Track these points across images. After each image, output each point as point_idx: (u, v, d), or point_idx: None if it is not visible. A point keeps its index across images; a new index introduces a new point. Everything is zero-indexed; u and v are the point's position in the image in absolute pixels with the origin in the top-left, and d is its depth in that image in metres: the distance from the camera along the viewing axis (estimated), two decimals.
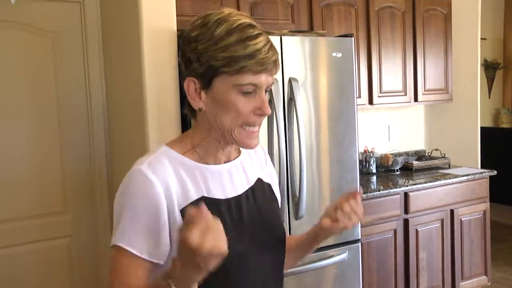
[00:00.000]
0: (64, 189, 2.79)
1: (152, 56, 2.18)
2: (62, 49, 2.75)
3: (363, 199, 2.99)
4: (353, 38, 2.61)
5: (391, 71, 3.42)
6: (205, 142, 1.06)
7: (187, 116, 2.11)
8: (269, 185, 1.20)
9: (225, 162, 1.09)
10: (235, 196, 1.07)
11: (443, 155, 3.77)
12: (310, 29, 3.07)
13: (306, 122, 2.50)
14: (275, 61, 1.00)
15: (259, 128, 1.04)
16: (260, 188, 1.15)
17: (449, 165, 3.71)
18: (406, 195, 3.10)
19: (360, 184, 3.20)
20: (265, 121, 2.39)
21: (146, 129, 2.25)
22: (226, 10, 1.01)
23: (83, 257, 2.86)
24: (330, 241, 2.60)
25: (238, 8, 2.83)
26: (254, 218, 1.09)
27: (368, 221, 2.94)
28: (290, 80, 2.43)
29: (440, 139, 4.00)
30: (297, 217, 2.48)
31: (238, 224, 1.05)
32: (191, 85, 1.01)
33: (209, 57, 0.96)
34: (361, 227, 2.86)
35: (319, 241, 1.19)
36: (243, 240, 1.04)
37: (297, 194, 2.46)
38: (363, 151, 3.58)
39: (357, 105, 2.68)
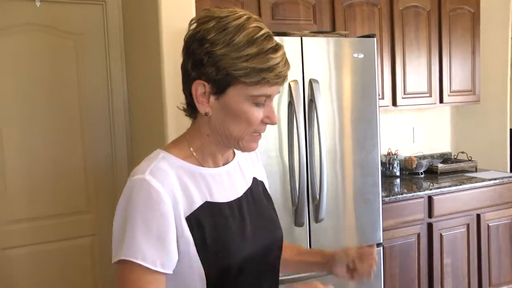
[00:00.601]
0: (86, 188, 2.83)
1: (171, 56, 2.18)
2: (84, 50, 2.79)
3: (386, 202, 2.93)
4: (375, 39, 2.56)
5: (416, 72, 3.35)
6: (204, 146, 1.04)
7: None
8: (262, 183, 1.20)
9: (223, 165, 1.08)
10: (236, 199, 1.07)
11: (469, 158, 3.67)
12: (332, 30, 3.03)
13: (327, 123, 2.46)
14: (287, 74, 1.01)
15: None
16: (256, 187, 1.16)
17: (476, 168, 3.61)
18: (430, 198, 3.03)
19: (382, 187, 3.16)
20: (285, 122, 2.38)
21: (165, 129, 2.25)
22: (243, 14, 0.98)
23: (106, 256, 2.88)
24: (351, 244, 2.55)
25: (259, 9, 2.82)
26: (254, 218, 1.08)
27: (391, 225, 2.89)
28: (310, 81, 2.40)
29: (467, 141, 3.90)
30: (317, 220, 2.45)
31: (241, 226, 1.04)
32: (200, 88, 0.98)
33: (229, 64, 0.94)
34: (383, 230, 2.81)
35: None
36: (247, 241, 1.03)
37: (317, 197, 2.43)
38: (386, 154, 3.52)
39: (379, 106, 2.63)
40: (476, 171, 3.57)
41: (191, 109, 1.03)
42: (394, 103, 3.27)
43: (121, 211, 0.96)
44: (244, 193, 1.09)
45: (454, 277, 3.15)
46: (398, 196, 2.91)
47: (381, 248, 2.63)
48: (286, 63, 0.99)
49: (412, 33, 3.33)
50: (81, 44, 2.78)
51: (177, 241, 0.95)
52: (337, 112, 2.50)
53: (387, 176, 3.45)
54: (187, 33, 1.00)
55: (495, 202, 3.28)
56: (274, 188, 2.35)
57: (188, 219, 0.96)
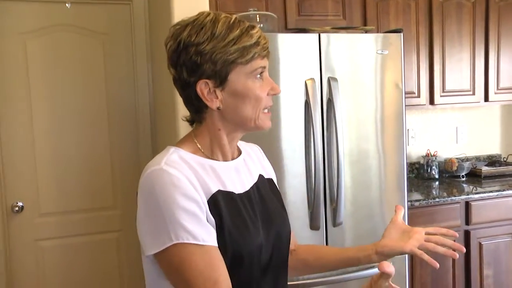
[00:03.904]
0: (113, 185, 2.91)
1: None
2: (111, 49, 2.86)
3: (416, 207, 2.76)
4: (402, 34, 2.41)
5: (457, 68, 3.13)
6: (213, 142, 1.08)
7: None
8: (270, 180, 1.23)
9: (232, 159, 1.12)
10: (245, 192, 1.09)
11: None
12: (363, 25, 2.90)
13: (347, 124, 2.36)
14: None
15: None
16: (263, 183, 1.18)
17: None
18: (467, 204, 2.82)
19: (417, 190, 2.99)
20: (301, 123, 2.30)
21: (177, 127, 2.26)
22: (209, 12, 1.04)
23: (131, 252, 2.95)
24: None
25: (285, 5, 2.75)
26: (262, 211, 1.11)
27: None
28: (329, 80, 2.31)
29: None
30: (335, 223, 2.35)
31: (253, 217, 1.07)
32: (204, 87, 1.02)
33: (222, 53, 0.99)
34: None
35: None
36: (259, 232, 1.06)
37: (335, 200, 2.33)
38: (424, 155, 3.32)
39: (405, 105, 2.48)
40: None
41: (195, 114, 1.07)
42: (431, 101, 3.08)
43: (146, 203, 0.97)
44: (251, 188, 1.12)
45: None
46: (430, 200, 2.73)
47: (406, 255, 2.48)
48: (265, 37, 1.05)
49: (454, 27, 3.11)
50: (108, 43, 2.86)
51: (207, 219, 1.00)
52: (358, 111, 2.38)
53: (425, 179, 3.27)
54: (169, 51, 1.04)
55: None
56: (289, 189, 2.29)
57: (209, 203, 0.99)
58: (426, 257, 1.10)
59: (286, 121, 2.27)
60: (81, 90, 2.82)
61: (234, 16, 1.03)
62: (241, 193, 1.08)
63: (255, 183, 1.15)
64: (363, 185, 2.42)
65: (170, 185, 0.95)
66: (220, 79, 1.01)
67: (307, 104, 2.28)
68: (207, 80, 1.01)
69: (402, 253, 1.13)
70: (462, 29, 3.14)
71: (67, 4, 2.75)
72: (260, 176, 1.19)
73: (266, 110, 1.07)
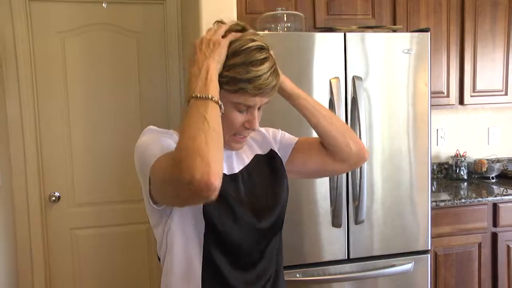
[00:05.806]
0: None
1: None
2: (145, 48, 2.96)
3: (440, 207, 2.70)
4: (429, 33, 2.40)
5: (489, 68, 3.08)
6: None
7: None
8: (270, 153, 1.28)
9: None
10: (231, 174, 1.18)
11: None
12: (393, 24, 2.90)
13: (371, 123, 2.37)
14: (274, 86, 1.08)
15: (247, 136, 1.18)
16: (257, 165, 1.24)
17: None
18: (495, 206, 2.78)
19: (444, 190, 2.97)
20: None
21: None
22: (257, 33, 1.10)
23: None
24: (394, 249, 2.44)
25: (314, 4, 2.78)
26: (251, 195, 1.18)
27: (447, 232, 2.72)
28: (353, 79, 2.33)
29: None
30: (357, 221, 2.38)
31: (238, 201, 1.14)
32: None
33: (219, 72, 1.04)
34: (438, 237, 2.66)
35: None
36: (244, 216, 1.13)
37: (358, 198, 2.36)
38: (453, 155, 3.29)
39: (433, 105, 2.48)
40: None
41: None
42: (461, 101, 3.04)
43: (137, 148, 1.11)
44: (240, 171, 1.20)
45: None
46: (455, 201, 2.71)
47: (428, 255, 2.48)
48: (271, 76, 1.05)
49: (487, 25, 3.06)
50: (142, 42, 2.96)
51: None
52: (383, 110, 2.39)
53: (453, 179, 3.23)
54: None
55: None
56: (312, 187, 2.32)
57: None
58: None
59: None
60: (116, 87, 2.94)
61: (255, 43, 1.05)
62: (226, 174, 1.15)
63: (246, 166, 1.22)
64: (386, 184, 2.42)
65: (157, 132, 1.11)
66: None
67: (331, 103, 2.31)
68: None
69: None
70: (496, 27, 3.08)
71: (103, 4, 2.87)
72: (255, 157, 1.25)
73: (240, 136, 1.14)
